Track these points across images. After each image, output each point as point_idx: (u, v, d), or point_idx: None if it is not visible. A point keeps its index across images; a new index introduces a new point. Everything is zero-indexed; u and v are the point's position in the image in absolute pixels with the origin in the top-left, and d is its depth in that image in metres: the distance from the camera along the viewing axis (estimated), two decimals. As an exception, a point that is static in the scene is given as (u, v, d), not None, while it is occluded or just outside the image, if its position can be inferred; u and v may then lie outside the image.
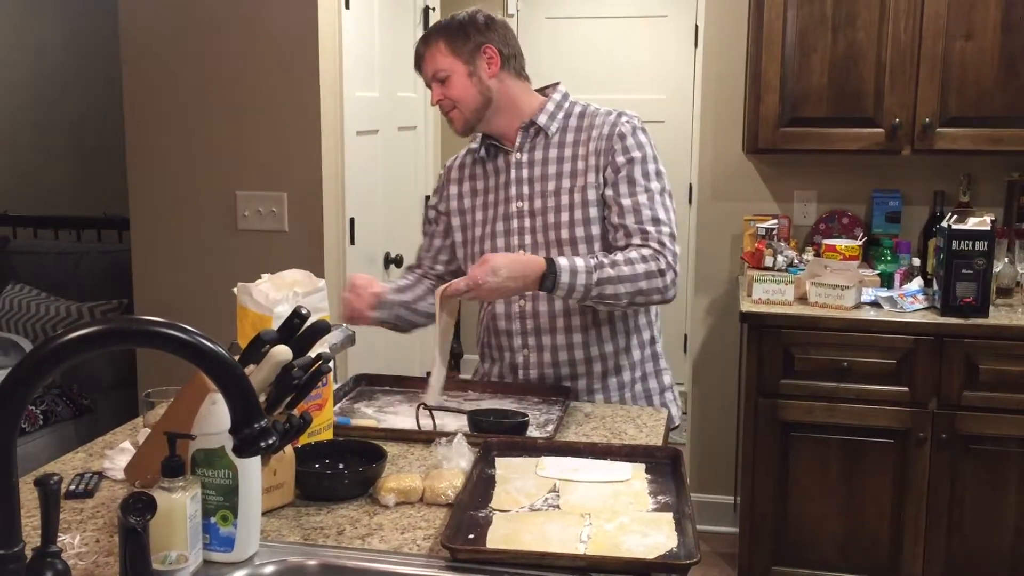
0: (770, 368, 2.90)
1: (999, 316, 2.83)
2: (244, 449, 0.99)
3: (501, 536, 1.29)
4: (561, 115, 2.02)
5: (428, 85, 2.02)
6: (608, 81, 5.23)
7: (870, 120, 3.04)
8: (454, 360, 5.08)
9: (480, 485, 1.46)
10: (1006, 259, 3.01)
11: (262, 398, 1.28)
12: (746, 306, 2.93)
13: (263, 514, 1.31)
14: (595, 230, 1.95)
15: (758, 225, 3.21)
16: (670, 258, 1.89)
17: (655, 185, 1.94)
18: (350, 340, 1.86)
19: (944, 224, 2.82)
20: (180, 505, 1.16)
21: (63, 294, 3.95)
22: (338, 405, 1.88)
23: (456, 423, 1.74)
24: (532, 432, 1.73)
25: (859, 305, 2.92)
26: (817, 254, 3.18)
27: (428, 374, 1.85)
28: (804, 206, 3.45)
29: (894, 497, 2.89)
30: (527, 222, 1.99)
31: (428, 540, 1.31)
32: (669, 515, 1.37)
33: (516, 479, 1.49)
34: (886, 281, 3.08)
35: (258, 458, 1.25)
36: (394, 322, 2.05)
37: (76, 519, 1.37)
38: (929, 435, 2.84)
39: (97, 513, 1.40)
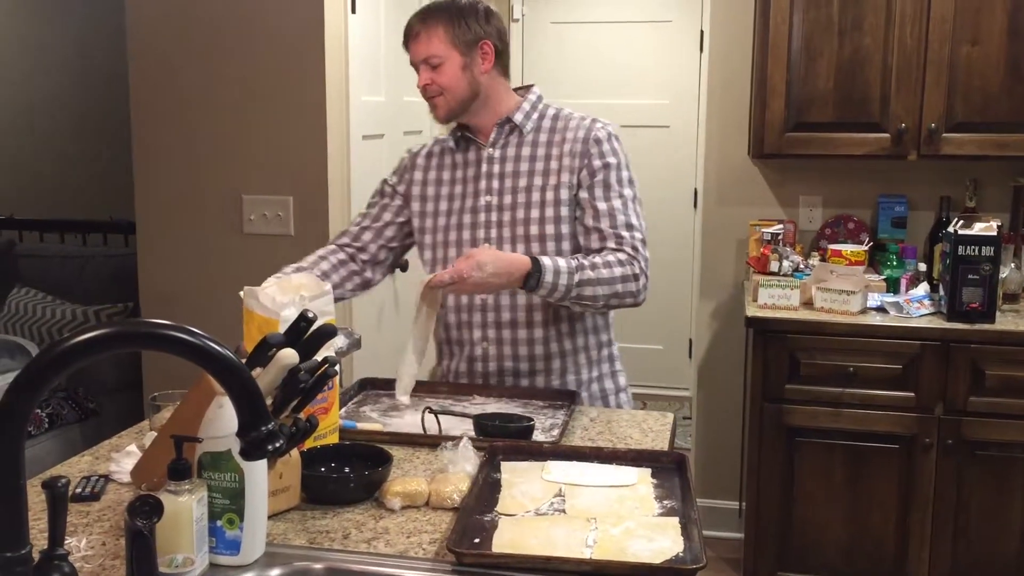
0: (775, 373, 2.90)
1: (1005, 321, 2.83)
2: (251, 452, 0.99)
3: (507, 540, 1.29)
4: (536, 115, 2.05)
5: (414, 64, 1.98)
6: (613, 86, 5.24)
7: (876, 125, 3.04)
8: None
9: (486, 489, 1.46)
10: (1012, 264, 3.01)
11: (268, 401, 1.28)
12: (751, 311, 2.93)
13: (269, 517, 1.31)
14: (564, 229, 1.98)
15: (763, 230, 3.20)
16: (643, 263, 1.96)
17: (628, 192, 2.00)
18: (356, 344, 1.86)
19: (950, 229, 2.81)
20: (186, 508, 1.16)
21: (69, 297, 3.96)
22: (344, 409, 1.88)
23: (461, 427, 1.74)
24: (537, 436, 1.73)
25: (865, 310, 2.91)
26: (823, 259, 3.17)
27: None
28: (810, 211, 3.45)
29: (899, 503, 2.89)
30: (494, 216, 2.01)
31: (434, 544, 1.31)
32: (675, 520, 1.36)
33: (522, 483, 1.48)
34: (892, 286, 3.08)
35: (264, 461, 1.25)
36: None
37: (82, 522, 1.37)
38: (935, 441, 2.83)
39: (103, 516, 1.40)
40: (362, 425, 1.78)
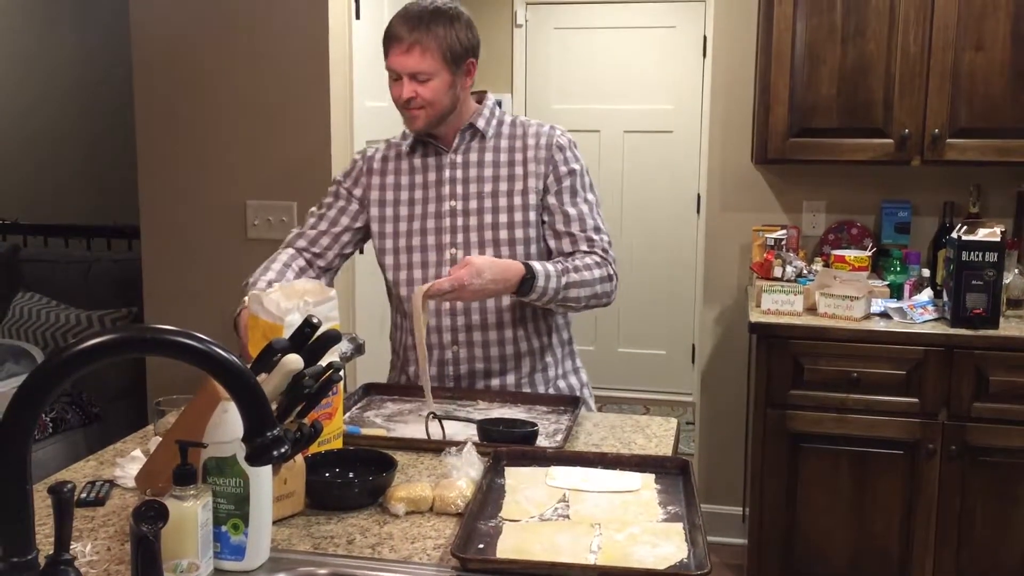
0: (779, 379, 2.89)
1: (1009, 327, 2.82)
2: (257, 458, 0.99)
3: (511, 546, 1.29)
4: (495, 121, 2.07)
5: (395, 73, 1.94)
6: (616, 91, 5.25)
7: (879, 131, 3.04)
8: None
9: (490, 495, 1.46)
10: (1016, 270, 3.01)
11: (273, 407, 1.28)
12: (755, 316, 2.93)
13: (274, 523, 1.32)
14: (532, 233, 2.01)
15: (767, 235, 3.20)
16: (614, 265, 2.03)
17: (592, 197, 2.06)
18: (360, 349, 1.86)
19: (954, 235, 2.81)
20: (191, 513, 1.16)
21: (73, 302, 3.97)
22: (348, 414, 1.89)
23: (465, 432, 1.74)
24: (541, 442, 1.73)
25: (868, 316, 2.91)
26: (826, 264, 3.18)
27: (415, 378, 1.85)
28: (813, 216, 3.45)
29: (903, 509, 2.88)
30: (460, 221, 2.01)
31: (438, 550, 1.31)
32: (679, 525, 1.36)
33: (526, 489, 1.48)
34: (895, 292, 3.08)
35: (269, 467, 1.26)
36: None
37: (87, 527, 1.38)
38: (939, 447, 2.83)
39: (108, 521, 1.40)
40: (366, 430, 1.78)
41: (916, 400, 2.83)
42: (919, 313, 2.90)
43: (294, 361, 1.27)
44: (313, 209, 2.13)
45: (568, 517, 1.40)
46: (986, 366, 2.78)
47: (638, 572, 1.23)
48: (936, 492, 2.85)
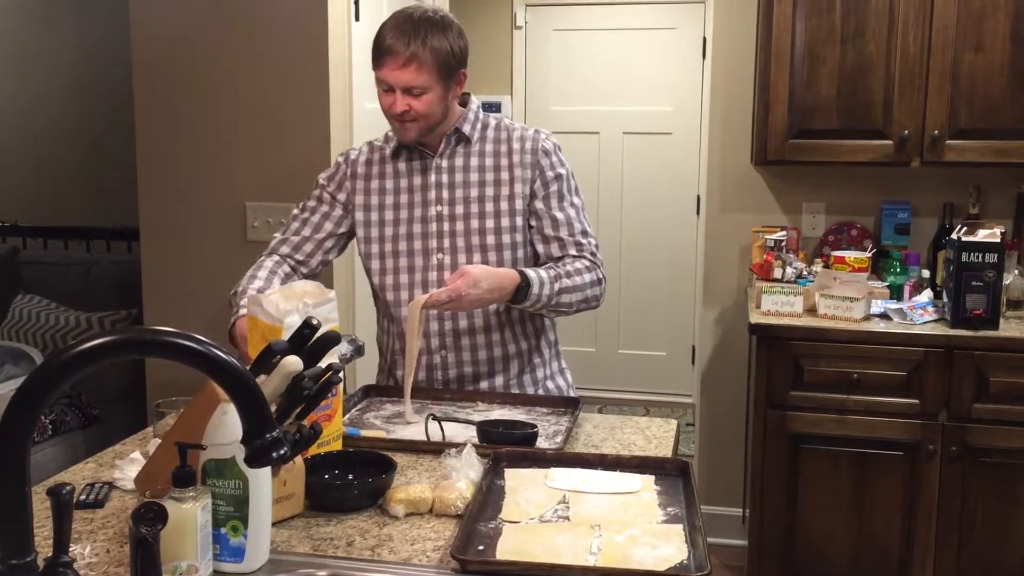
0: (779, 380, 2.89)
1: (1009, 328, 2.82)
2: (256, 459, 0.99)
3: (511, 547, 1.29)
4: (480, 125, 2.06)
5: (386, 85, 1.92)
6: (616, 93, 5.25)
7: (879, 132, 3.04)
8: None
9: (489, 496, 1.46)
10: (1016, 271, 3.01)
11: (272, 409, 1.28)
12: (755, 318, 2.93)
13: (273, 525, 1.31)
14: (518, 238, 2.01)
15: (767, 237, 3.20)
16: (602, 269, 2.03)
17: (578, 201, 2.06)
18: (360, 351, 1.86)
19: (954, 236, 2.81)
20: (191, 515, 1.16)
21: (72, 304, 3.97)
22: (347, 416, 1.89)
23: (465, 434, 1.74)
24: (541, 443, 1.73)
25: (868, 317, 2.91)
26: (826, 266, 3.17)
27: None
28: (813, 218, 3.45)
29: (904, 510, 2.88)
30: (447, 226, 2.01)
31: (437, 551, 1.31)
32: (679, 527, 1.36)
33: (526, 490, 1.48)
34: (895, 293, 3.08)
35: (268, 469, 1.25)
36: None
37: (87, 529, 1.38)
38: (939, 448, 2.83)
39: (107, 523, 1.40)
40: (366, 432, 1.78)
41: (916, 401, 2.83)
42: (919, 314, 2.90)
43: (293, 363, 1.27)
44: (296, 211, 2.12)
45: (568, 519, 1.40)
46: (986, 367, 2.78)
47: (638, 574, 1.23)
48: (936, 493, 2.85)
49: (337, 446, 1.61)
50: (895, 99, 3.01)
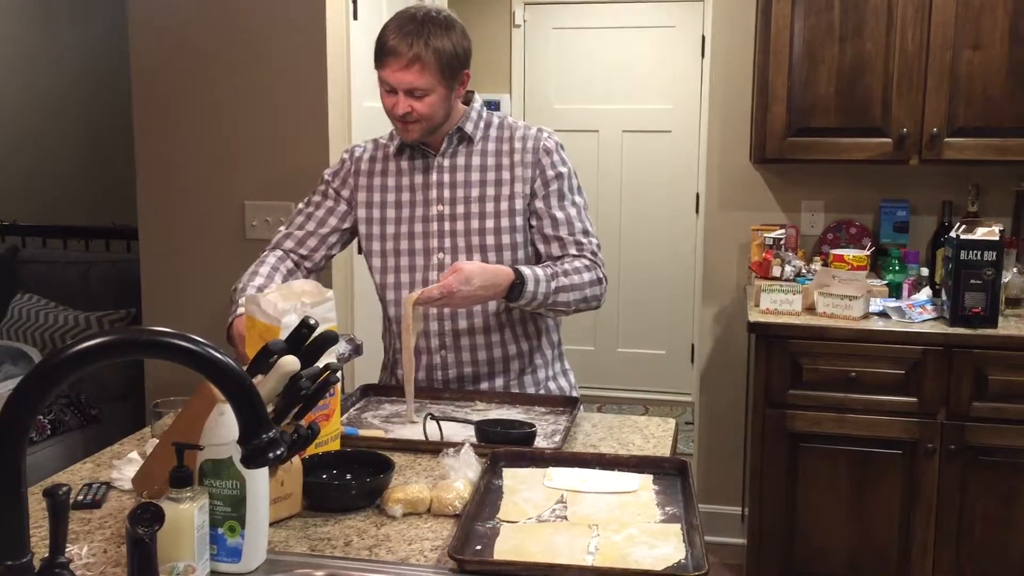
0: (778, 378, 2.89)
1: (1008, 326, 2.82)
2: (252, 460, 0.99)
3: (508, 547, 1.29)
4: (482, 123, 2.05)
5: (388, 85, 1.91)
6: (615, 91, 5.25)
7: (878, 130, 3.04)
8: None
9: (487, 496, 1.46)
10: (1015, 269, 3.01)
11: (270, 408, 1.28)
12: (754, 316, 2.93)
13: (270, 525, 1.31)
14: (519, 238, 2.00)
15: (765, 235, 3.20)
16: (603, 268, 2.01)
17: (579, 199, 2.05)
18: (358, 351, 1.86)
19: (952, 234, 2.81)
20: (188, 516, 1.16)
21: (71, 303, 3.97)
22: (345, 415, 1.88)
23: (463, 433, 1.74)
24: (539, 442, 1.73)
25: (867, 315, 2.91)
26: (825, 264, 3.17)
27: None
28: (812, 216, 3.45)
29: (903, 509, 2.88)
30: (448, 226, 2.01)
31: (435, 551, 1.31)
32: (677, 526, 1.36)
33: (523, 490, 1.48)
34: (894, 291, 3.08)
35: (266, 469, 1.25)
36: None
37: (84, 529, 1.37)
38: (938, 446, 2.83)
39: (105, 523, 1.40)
40: (364, 432, 1.78)
41: (915, 399, 2.83)
42: (918, 312, 2.90)
43: (290, 363, 1.27)
44: (300, 206, 2.12)
45: (566, 518, 1.40)
46: (985, 365, 2.78)
47: (635, 573, 1.23)
48: (935, 491, 2.85)
49: (335, 446, 1.61)
50: (894, 97, 3.01)
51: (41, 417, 3.39)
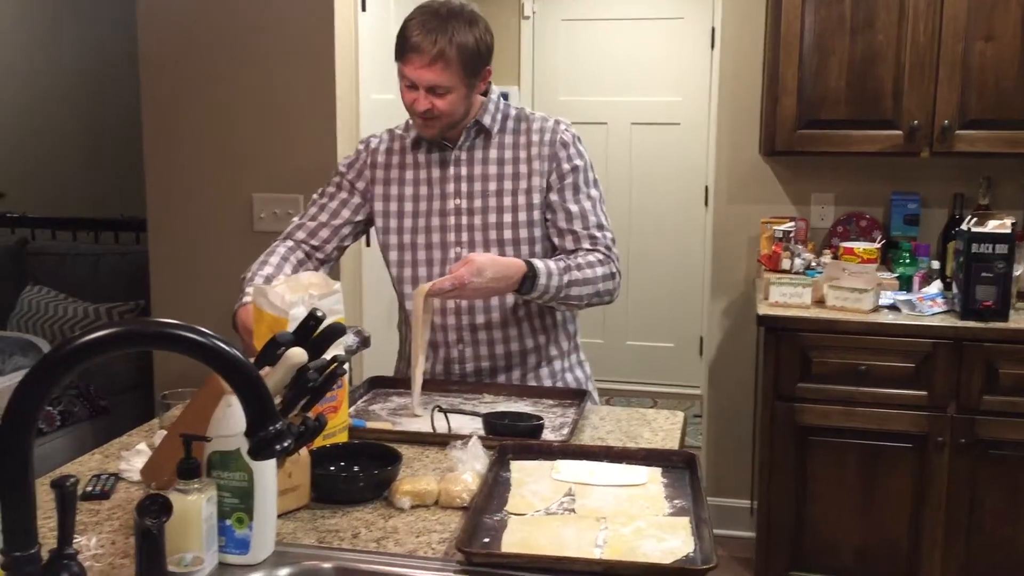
0: (787, 371, 2.88)
1: (1019, 320, 2.80)
2: (259, 452, 0.99)
3: (516, 540, 1.29)
4: (500, 116, 2.03)
5: (409, 81, 1.89)
6: (624, 83, 5.23)
7: (889, 122, 3.02)
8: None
9: (495, 488, 1.46)
10: (1026, 262, 2.99)
11: (277, 400, 1.28)
12: (763, 309, 2.92)
13: (278, 516, 1.31)
14: (537, 232, 1.99)
15: (775, 228, 3.19)
16: (617, 263, 2.00)
17: (595, 193, 2.02)
18: (366, 343, 1.86)
19: (964, 227, 2.79)
20: (196, 507, 1.16)
21: (81, 295, 3.98)
22: (353, 407, 1.88)
23: (471, 426, 1.74)
24: (547, 435, 1.72)
25: (877, 308, 2.90)
26: (835, 257, 3.16)
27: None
28: (822, 208, 3.43)
29: (912, 502, 2.87)
30: (464, 220, 1.99)
31: (443, 543, 1.31)
32: (686, 519, 1.36)
33: (531, 482, 1.48)
34: (905, 284, 3.06)
35: (273, 461, 1.25)
36: None
37: (92, 520, 1.38)
38: (948, 440, 2.81)
39: (113, 515, 1.40)
40: (372, 424, 1.78)
41: (925, 393, 2.82)
42: (928, 305, 2.88)
43: (298, 355, 1.27)
44: (315, 197, 2.10)
45: (574, 511, 1.39)
46: (996, 359, 2.76)
47: (644, 566, 1.22)
48: (945, 485, 2.84)
49: (343, 438, 1.61)
50: (905, 89, 2.99)
51: (50, 408, 3.41)
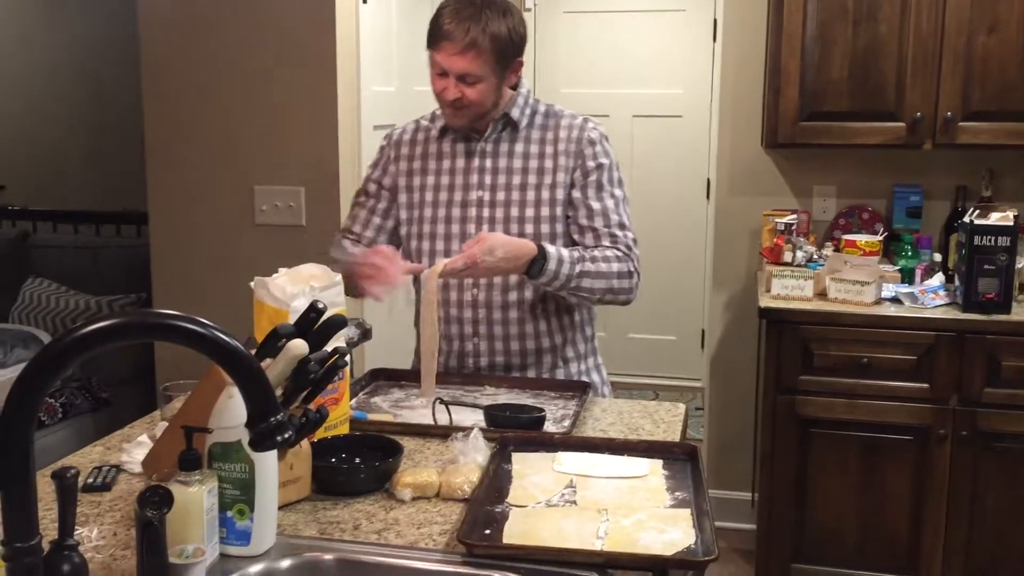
0: (789, 364, 2.88)
1: (1022, 312, 2.80)
2: (260, 443, 0.99)
3: (518, 532, 1.29)
4: (528, 110, 2.02)
5: (440, 69, 1.89)
6: (626, 75, 5.22)
7: (891, 114, 3.01)
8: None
9: (496, 480, 1.46)
10: (1029, 255, 2.98)
11: (278, 392, 1.28)
12: (765, 302, 2.91)
13: (279, 508, 1.31)
14: (558, 228, 1.97)
15: (777, 220, 3.18)
16: (636, 262, 1.97)
17: (619, 192, 2.01)
18: (367, 335, 1.86)
19: (966, 219, 2.79)
20: (197, 499, 1.16)
21: (82, 288, 3.98)
22: (355, 399, 1.88)
23: (472, 418, 1.74)
24: (549, 427, 1.72)
25: (879, 301, 2.89)
26: (837, 249, 3.15)
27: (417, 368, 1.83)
28: (824, 201, 3.43)
29: (914, 495, 2.87)
30: (486, 212, 1.98)
31: (444, 535, 1.31)
32: (687, 511, 1.36)
33: (533, 474, 1.48)
34: (907, 277, 3.06)
35: (274, 452, 1.25)
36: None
37: (94, 512, 1.38)
38: (950, 432, 2.81)
39: (115, 506, 1.40)
40: (373, 416, 1.78)
41: (927, 385, 2.81)
42: (930, 298, 2.88)
43: (299, 346, 1.27)
44: (354, 205, 2.12)
45: (575, 503, 1.39)
46: (998, 351, 2.76)
47: (645, 558, 1.22)
48: (947, 478, 2.84)
49: (344, 430, 1.61)
50: (907, 81, 2.98)
51: (53, 400, 3.41)
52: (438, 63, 1.89)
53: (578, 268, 1.88)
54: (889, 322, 2.81)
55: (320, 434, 1.52)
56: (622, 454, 1.56)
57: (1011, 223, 2.73)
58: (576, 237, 1.98)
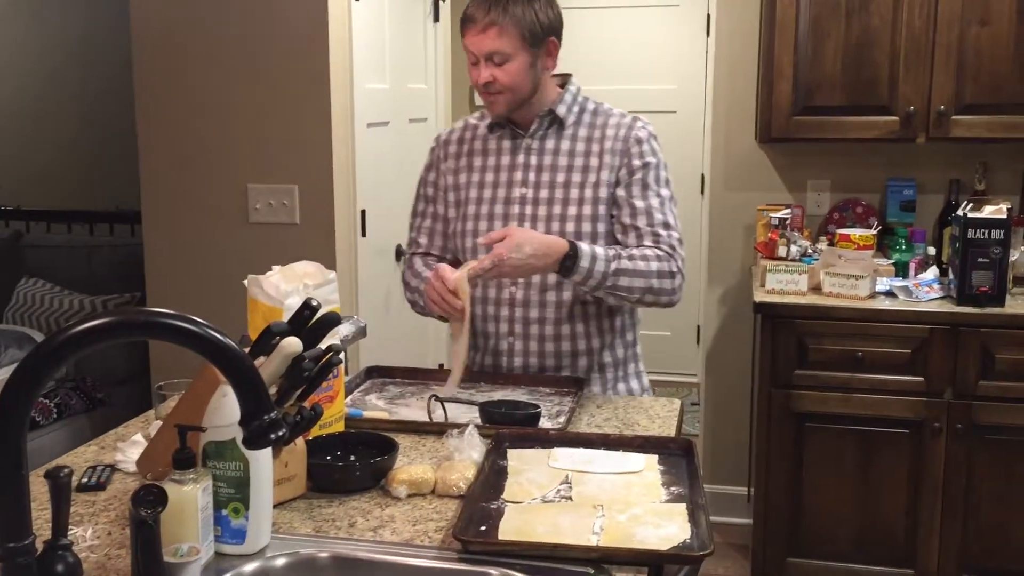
0: (784, 359, 2.88)
1: (1015, 305, 2.81)
2: (254, 441, 0.98)
3: (513, 528, 1.29)
4: (576, 108, 2.01)
5: (471, 54, 1.91)
6: (620, 71, 5.21)
7: (884, 108, 3.02)
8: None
9: (492, 477, 1.45)
10: (1022, 248, 2.99)
11: (272, 390, 1.28)
12: (759, 296, 2.92)
13: (275, 506, 1.31)
14: (601, 228, 1.95)
15: (771, 215, 3.18)
16: (680, 263, 1.93)
17: (665, 192, 1.98)
18: (361, 332, 1.85)
19: (960, 213, 2.79)
20: (191, 497, 1.16)
21: (76, 288, 3.97)
22: (350, 397, 1.88)
23: (468, 415, 1.74)
24: (544, 423, 1.72)
25: (874, 295, 2.90)
26: (831, 244, 3.16)
27: (442, 365, 1.83)
28: (818, 195, 3.43)
29: (909, 488, 2.87)
30: (529, 210, 1.96)
31: (440, 532, 1.31)
32: (682, 506, 1.36)
33: (528, 470, 1.48)
34: (901, 270, 3.06)
35: (269, 450, 1.25)
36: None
37: (88, 512, 1.37)
38: (944, 425, 2.82)
39: (109, 506, 1.40)
40: (368, 413, 1.77)
41: (921, 379, 2.82)
42: (924, 291, 2.88)
43: (293, 344, 1.27)
44: (415, 217, 2.12)
45: (571, 499, 1.39)
46: (992, 344, 2.76)
47: (641, 553, 1.22)
48: (942, 471, 2.84)
49: (339, 427, 1.61)
50: (900, 74, 2.98)
51: (47, 401, 3.40)
52: (467, 49, 1.91)
53: (614, 266, 1.84)
54: (883, 316, 2.82)
55: (315, 432, 1.52)
56: (617, 450, 1.56)
57: (1004, 216, 2.74)
58: (619, 236, 1.95)
